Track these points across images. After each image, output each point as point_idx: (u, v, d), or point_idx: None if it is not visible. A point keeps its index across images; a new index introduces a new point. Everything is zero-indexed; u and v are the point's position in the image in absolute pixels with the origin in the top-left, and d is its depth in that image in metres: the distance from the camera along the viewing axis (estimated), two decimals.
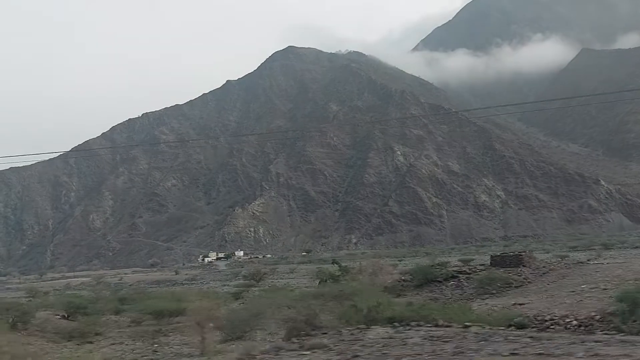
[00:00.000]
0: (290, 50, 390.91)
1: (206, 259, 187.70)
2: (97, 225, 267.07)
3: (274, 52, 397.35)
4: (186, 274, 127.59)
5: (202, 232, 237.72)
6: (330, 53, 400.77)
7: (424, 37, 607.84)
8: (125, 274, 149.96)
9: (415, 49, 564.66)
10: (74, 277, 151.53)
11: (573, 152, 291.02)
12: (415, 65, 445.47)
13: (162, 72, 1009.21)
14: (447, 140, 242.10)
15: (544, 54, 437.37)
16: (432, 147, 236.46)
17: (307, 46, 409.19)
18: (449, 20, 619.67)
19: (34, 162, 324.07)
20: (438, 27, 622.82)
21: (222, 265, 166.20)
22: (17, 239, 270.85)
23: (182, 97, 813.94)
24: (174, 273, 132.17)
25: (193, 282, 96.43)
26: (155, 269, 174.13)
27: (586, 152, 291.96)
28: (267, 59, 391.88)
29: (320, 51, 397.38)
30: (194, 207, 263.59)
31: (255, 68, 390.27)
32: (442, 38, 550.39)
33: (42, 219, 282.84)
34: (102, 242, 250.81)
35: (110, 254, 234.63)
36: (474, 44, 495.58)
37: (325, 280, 34.60)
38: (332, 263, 46.66)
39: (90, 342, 21.79)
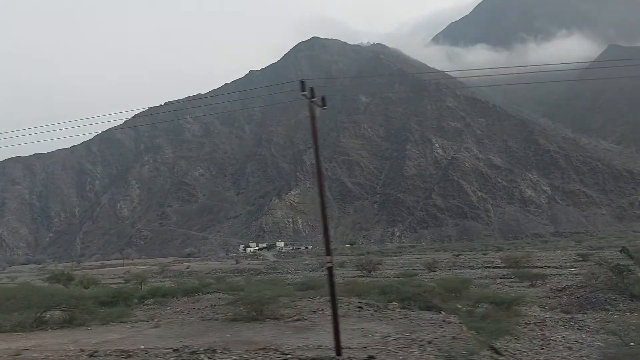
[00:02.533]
0: (314, 41, 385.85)
1: (248, 249, 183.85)
2: (125, 214, 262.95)
3: (298, 42, 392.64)
4: (248, 263, 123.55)
5: (236, 222, 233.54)
6: (355, 45, 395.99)
7: (439, 32, 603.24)
8: (170, 262, 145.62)
9: (432, 43, 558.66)
10: (123, 264, 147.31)
11: (605, 149, 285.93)
12: (435, 59, 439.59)
13: (181, 62, 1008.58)
14: (486, 133, 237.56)
15: (567, 50, 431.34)
16: (472, 140, 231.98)
17: (329, 37, 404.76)
18: (466, 15, 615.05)
19: (55, 149, 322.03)
20: (454, 22, 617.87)
21: (269, 255, 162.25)
22: (43, 226, 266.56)
23: (203, 87, 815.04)
24: (234, 262, 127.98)
25: (277, 271, 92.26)
26: (199, 258, 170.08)
27: (618, 149, 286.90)
28: (291, 49, 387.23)
29: (345, 43, 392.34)
30: (224, 197, 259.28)
31: (279, 58, 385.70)
32: (459, 33, 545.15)
33: (68, 206, 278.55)
34: (132, 230, 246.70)
35: (142, 242, 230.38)
36: (493, 39, 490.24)
37: (622, 272, 30.20)
38: (621, 252, 42.03)
39: None
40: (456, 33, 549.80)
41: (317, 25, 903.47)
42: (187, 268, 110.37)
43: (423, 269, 73.07)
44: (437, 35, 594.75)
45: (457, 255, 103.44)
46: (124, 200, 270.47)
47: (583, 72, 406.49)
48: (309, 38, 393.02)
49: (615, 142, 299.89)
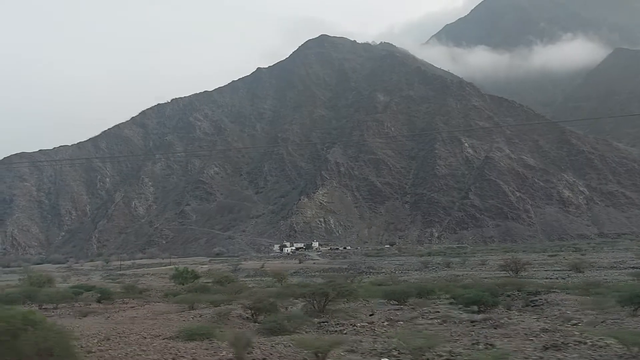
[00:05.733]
0: (324, 39, 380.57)
1: (285, 249, 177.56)
2: (141, 212, 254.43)
3: (307, 40, 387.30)
4: (314, 263, 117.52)
5: (260, 221, 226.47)
6: (364, 43, 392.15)
7: (434, 33, 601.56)
8: (205, 263, 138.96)
9: (432, 43, 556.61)
10: (170, 263, 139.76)
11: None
12: (439, 59, 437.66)
13: (188, 59, 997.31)
14: (516, 133, 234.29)
15: (570, 53, 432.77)
16: (502, 139, 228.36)
17: (339, 35, 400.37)
18: (463, 17, 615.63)
19: (60, 146, 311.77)
20: (449, 23, 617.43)
21: (313, 255, 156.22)
22: (54, 225, 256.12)
23: (208, 84, 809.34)
24: (297, 262, 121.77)
25: (380, 271, 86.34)
26: (237, 257, 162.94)
27: (636, 151, 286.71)
28: (300, 46, 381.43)
29: (355, 41, 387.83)
30: (243, 196, 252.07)
31: (288, 55, 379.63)
32: (456, 34, 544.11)
33: (79, 204, 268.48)
34: (149, 229, 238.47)
35: (164, 242, 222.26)
36: (493, 41, 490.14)
37: None
38: None
39: None
40: (453, 35, 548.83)
41: (305, 26, 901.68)
42: (262, 267, 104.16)
43: (568, 270, 67.89)
44: (436, 34, 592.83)
45: (552, 256, 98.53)
46: (138, 199, 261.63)
47: (588, 74, 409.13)
48: (317, 35, 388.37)
49: (630, 144, 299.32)
